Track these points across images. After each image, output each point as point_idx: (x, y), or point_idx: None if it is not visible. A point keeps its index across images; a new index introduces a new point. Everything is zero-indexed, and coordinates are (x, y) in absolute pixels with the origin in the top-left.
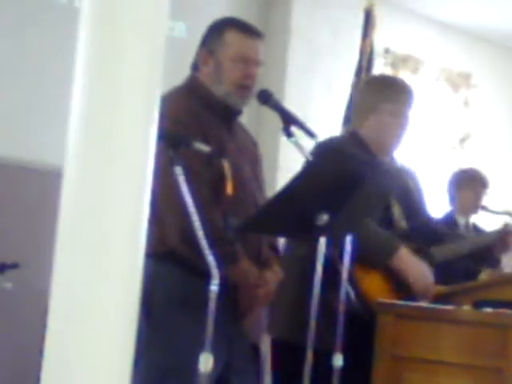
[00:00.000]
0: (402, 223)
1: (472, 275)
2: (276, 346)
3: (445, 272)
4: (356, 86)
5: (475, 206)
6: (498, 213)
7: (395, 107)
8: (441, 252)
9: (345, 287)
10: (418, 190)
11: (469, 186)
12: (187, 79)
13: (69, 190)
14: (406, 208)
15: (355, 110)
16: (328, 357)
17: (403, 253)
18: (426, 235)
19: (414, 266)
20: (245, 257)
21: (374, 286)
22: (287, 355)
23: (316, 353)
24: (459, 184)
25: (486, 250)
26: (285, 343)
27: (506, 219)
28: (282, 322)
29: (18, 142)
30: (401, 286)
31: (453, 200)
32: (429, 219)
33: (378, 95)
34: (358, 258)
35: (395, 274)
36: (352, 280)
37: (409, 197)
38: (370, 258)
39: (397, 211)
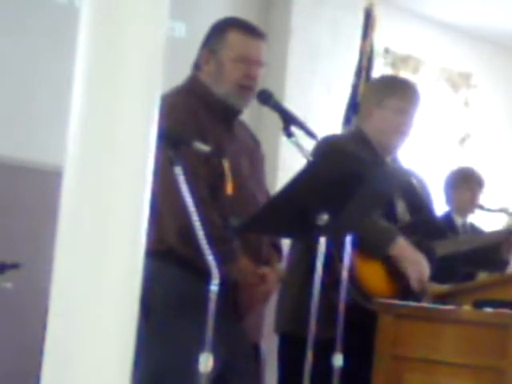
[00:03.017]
0: (406, 218)
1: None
2: (282, 340)
3: (443, 271)
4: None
5: (472, 205)
6: (493, 211)
7: (400, 104)
8: (441, 246)
9: (345, 286)
10: (424, 189)
11: (465, 185)
12: (188, 79)
13: (69, 190)
14: (410, 204)
15: (361, 106)
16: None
17: (401, 242)
18: (427, 230)
19: (410, 254)
20: (244, 255)
21: (372, 275)
22: (294, 349)
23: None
24: (455, 184)
25: (491, 251)
26: (290, 337)
27: (503, 217)
28: (288, 316)
29: (18, 142)
30: (397, 276)
31: (449, 200)
32: (432, 215)
33: (384, 90)
34: (358, 249)
35: (393, 265)
36: (351, 270)
37: (412, 193)
38: (370, 247)
39: (401, 207)
